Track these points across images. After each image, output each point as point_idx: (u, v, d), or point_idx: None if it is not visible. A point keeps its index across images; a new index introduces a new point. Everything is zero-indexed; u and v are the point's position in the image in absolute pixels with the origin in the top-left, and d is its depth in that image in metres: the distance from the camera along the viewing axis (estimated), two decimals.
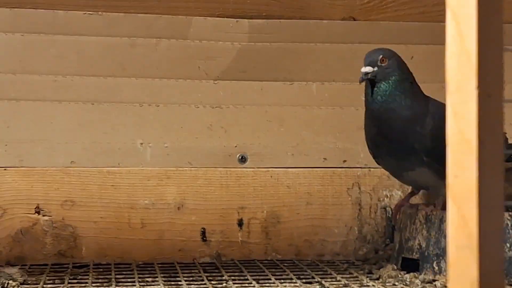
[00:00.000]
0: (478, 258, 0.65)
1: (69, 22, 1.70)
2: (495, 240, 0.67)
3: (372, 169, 1.73)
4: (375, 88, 1.48)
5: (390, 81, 1.47)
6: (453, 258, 0.67)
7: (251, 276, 1.50)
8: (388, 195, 1.75)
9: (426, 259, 1.46)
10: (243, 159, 1.74)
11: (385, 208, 1.75)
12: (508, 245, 1.40)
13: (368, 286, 1.39)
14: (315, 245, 1.74)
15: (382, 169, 1.65)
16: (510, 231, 1.40)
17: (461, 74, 0.67)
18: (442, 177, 1.51)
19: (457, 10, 0.67)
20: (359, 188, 1.75)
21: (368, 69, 1.47)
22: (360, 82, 1.48)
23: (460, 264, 0.66)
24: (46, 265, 1.63)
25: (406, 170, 1.53)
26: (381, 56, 1.48)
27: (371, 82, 1.48)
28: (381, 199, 1.75)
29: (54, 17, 1.70)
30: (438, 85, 1.61)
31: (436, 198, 1.57)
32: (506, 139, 1.71)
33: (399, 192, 1.75)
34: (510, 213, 1.44)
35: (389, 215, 1.74)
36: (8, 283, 1.41)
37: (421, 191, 1.70)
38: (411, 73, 1.52)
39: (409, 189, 1.70)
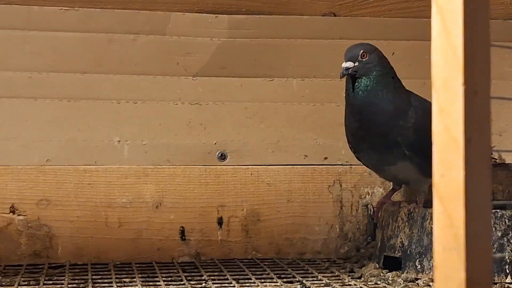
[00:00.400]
0: (465, 259, 0.63)
1: (44, 17, 1.66)
2: (483, 241, 0.65)
3: (353, 166, 1.71)
4: (356, 83, 1.46)
5: (371, 76, 1.46)
6: (440, 259, 0.64)
7: (231, 275, 1.46)
8: (370, 192, 1.72)
9: (408, 257, 1.43)
10: (222, 157, 1.71)
11: (366, 206, 1.72)
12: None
13: (350, 285, 1.37)
14: (296, 244, 1.71)
15: (364, 166, 1.63)
16: (493, 229, 1.38)
17: (447, 70, 0.65)
18: (424, 172, 1.50)
19: (443, 5, 0.65)
20: (340, 186, 1.72)
21: (349, 64, 1.45)
22: (341, 77, 1.46)
23: (447, 265, 0.64)
24: (21, 265, 1.59)
25: (388, 164, 1.51)
26: (361, 51, 1.46)
27: (352, 77, 1.45)
28: (363, 196, 1.73)
29: (29, 13, 1.66)
30: (420, 81, 1.61)
31: (417, 194, 1.55)
32: None
33: (381, 189, 1.72)
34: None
35: (371, 213, 1.71)
36: None
37: (403, 188, 1.68)
38: (393, 68, 1.51)
39: (390, 186, 1.68)
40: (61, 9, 1.66)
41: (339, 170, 1.72)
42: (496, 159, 1.77)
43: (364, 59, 1.46)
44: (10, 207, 1.63)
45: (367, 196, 1.73)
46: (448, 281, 0.63)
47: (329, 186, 1.72)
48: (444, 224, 0.64)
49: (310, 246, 1.71)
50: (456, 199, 0.63)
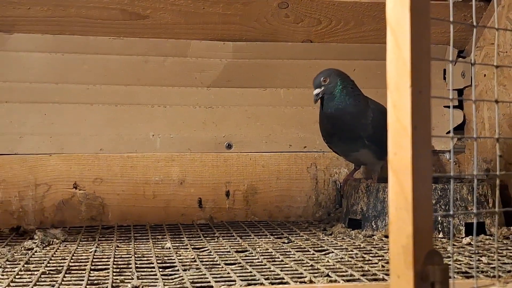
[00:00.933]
0: (412, 216, 0.63)
1: (97, 45, 1.66)
2: (426, 203, 0.65)
3: (325, 153, 1.71)
4: (326, 100, 1.47)
5: (335, 92, 1.47)
6: (393, 217, 0.65)
7: (236, 233, 1.47)
8: (338, 172, 1.73)
9: (366, 219, 1.44)
10: (229, 146, 1.71)
11: (335, 182, 1.73)
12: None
13: (324, 240, 1.37)
14: (283, 210, 1.71)
15: (333, 153, 1.63)
16: None
17: (399, 76, 0.66)
18: (378, 156, 1.51)
19: (395, 28, 0.66)
20: (316, 167, 1.73)
21: (317, 91, 1.47)
22: (315, 102, 1.48)
23: (398, 221, 0.64)
24: (82, 227, 1.60)
25: (352, 151, 1.52)
26: (322, 78, 1.47)
27: (321, 99, 1.48)
28: (332, 175, 1.73)
29: (87, 41, 1.66)
30: (374, 90, 1.62)
31: (372, 173, 1.56)
32: None
33: (346, 169, 1.73)
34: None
35: (338, 187, 1.72)
36: (53, 241, 1.37)
37: (362, 169, 1.69)
38: (352, 81, 1.51)
39: (353, 166, 1.68)
40: (109, 38, 1.66)
41: (315, 156, 1.73)
42: None
43: (325, 83, 1.47)
44: (74, 184, 1.63)
45: (335, 174, 1.73)
46: (400, 232, 0.63)
47: (308, 167, 1.73)
48: (397, 190, 0.65)
49: (293, 211, 1.71)
50: (406, 172, 0.64)
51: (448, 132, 1.71)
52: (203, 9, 1.60)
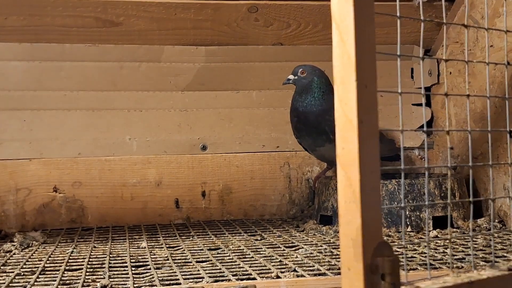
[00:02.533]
0: (360, 209, 0.61)
1: (73, 52, 1.63)
2: (374, 196, 0.63)
3: (298, 152, 1.69)
4: (297, 94, 1.46)
5: (311, 88, 1.45)
6: (342, 210, 0.63)
7: (211, 232, 1.45)
8: (310, 170, 1.71)
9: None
10: (204, 148, 1.69)
11: (308, 180, 1.71)
12: (396, 203, 1.36)
13: (296, 236, 1.35)
14: (258, 208, 1.69)
15: (305, 152, 1.61)
16: (397, 193, 1.37)
17: (344, 70, 0.64)
18: None
19: (340, 22, 0.64)
20: (289, 166, 1.70)
21: (291, 76, 1.48)
22: (283, 84, 1.50)
23: (347, 214, 0.62)
24: (62, 229, 1.57)
25: (318, 146, 1.50)
26: (301, 69, 1.47)
27: (295, 85, 1.47)
28: (305, 173, 1.71)
29: (63, 49, 1.63)
30: None
31: None
32: (384, 136, 1.68)
33: (317, 168, 1.71)
34: (398, 180, 1.40)
35: (311, 185, 1.70)
36: (32, 243, 1.34)
37: (334, 167, 1.67)
38: (327, 77, 1.49)
39: (324, 165, 1.66)
40: (85, 45, 1.63)
41: (287, 155, 1.71)
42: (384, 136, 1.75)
43: (302, 76, 1.46)
44: (53, 188, 1.60)
45: (308, 173, 1.71)
46: (349, 225, 0.61)
47: (281, 166, 1.70)
48: (345, 184, 0.63)
49: (268, 210, 1.69)
50: (353, 165, 0.62)
51: (421, 127, 1.70)
52: (175, 15, 1.58)
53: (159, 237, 1.39)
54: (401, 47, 1.73)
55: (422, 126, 1.73)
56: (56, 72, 1.63)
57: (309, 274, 0.93)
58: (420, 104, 1.75)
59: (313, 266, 1.00)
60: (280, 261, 1.06)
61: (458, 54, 1.58)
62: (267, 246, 1.21)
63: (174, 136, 1.67)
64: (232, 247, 1.22)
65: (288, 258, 1.08)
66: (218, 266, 1.03)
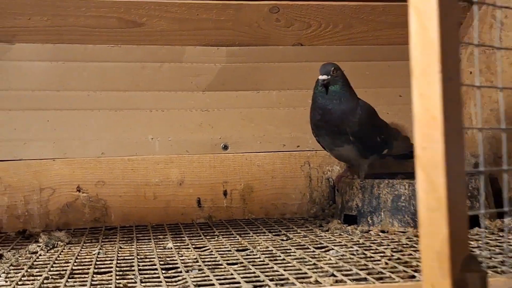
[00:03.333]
0: (447, 218, 0.53)
1: (96, 52, 1.58)
2: (461, 203, 0.55)
3: (318, 151, 1.63)
4: (329, 90, 1.39)
5: (337, 85, 1.40)
6: (424, 219, 0.55)
7: (235, 231, 1.39)
8: (330, 170, 1.65)
9: (362, 215, 1.36)
10: (225, 147, 1.64)
11: (328, 179, 1.65)
12: None
13: (322, 236, 1.28)
14: (279, 207, 1.63)
15: (325, 151, 1.56)
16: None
17: (426, 60, 0.54)
18: (362, 154, 1.44)
19: (419, 7, 0.54)
20: (309, 165, 1.65)
21: (325, 77, 1.38)
22: (321, 86, 1.39)
23: (431, 224, 0.54)
24: (85, 229, 1.51)
25: (337, 146, 1.43)
26: (333, 68, 1.39)
27: (325, 85, 1.39)
28: (325, 172, 1.66)
29: (86, 49, 1.57)
30: (362, 89, 1.55)
31: (359, 171, 1.49)
32: (406, 136, 1.63)
33: (338, 167, 1.65)
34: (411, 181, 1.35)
35: (331, 184, 1.65)
36: (57, 244, 1.30)
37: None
38: (348, 80, 1.44)
39: (345, 165, 1.62)
40: (108, 46, 1.58)
41: (308, 154, 1.65)
42: None
43: (334, 74, 1.40)
44: (77, 187, 1.56)
45: (328, 172, 1.66)
46: (433, 237, 0.53)
47: (301, 166, 1.65)
48: (428, 189, 0.54)
49: (289, 209, 1.63)
50: (438, 168, 0.54)
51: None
52: (197, 16, 1.53)
53: (183, 237, 1.34)
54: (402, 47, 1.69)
55: None
56: (79, 73, 1.58)
57: (349, 280, 0.87)
58: None
59: (351, 270, 0.93)
60: (314, 263, 0.99)
61: (480, 54, 1.53)
62: (295, 247, 1.15)
63: (196, 135, 1.62)
64: (260, 248, 1.16)
65: (321, 260, 1.02)
66: (251, 269, 0.97)
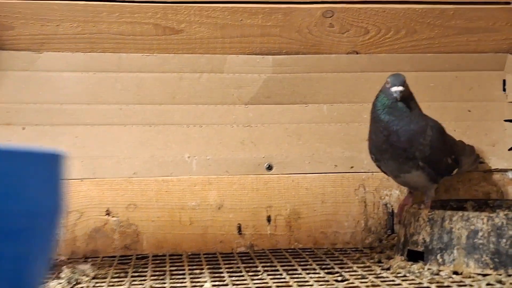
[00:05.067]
0: None
1: (130, 62, 1.42)
2: None
3: (374, 173, 1.42)
4: (397, 106, 1.18)
5: (408, 101, 1.19)
6: None
7: (280, 265, 1.20)
8: (388, 194, 1.44)
9: (430, 252, 1.15)
10: (269, 167, 1.44)
11: (386, 205, 1.44)
12: (505, 240, 1.08)
13: (383, 277, 1.08)
14: (329, 236, 1.42)
15: (383, 173, 1.35)
16: (506, 228, 1.09)
17: None
18: (432, 179, 1.21)
19: None
20: (364, 189, 1.44)
21: (400, 88, 1.17)
22: (398, 100, 1.17)
23: None
24: (115, 257, 1.35)
25: (404, 172, 1.23)
26: (404, 79, 1.19)
27: (402, 99, 1.18)
28: (383, 197, 1.44)
29: (119, 59, 1.41)
30: (426, 104, 1.34)
31: (425, 198, 1.27)
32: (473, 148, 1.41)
33: (397, 192, 1.43)
34: (505, 213, 1.13)
35: (390, 211, 1.43)
36: (81, 280, 1.13)
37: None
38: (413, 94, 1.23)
39: (405, 189, 1.40)
40: (143, 55, 1.42)
41: (363, 177, 1.44)
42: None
43: (406, 88, 1.19)
44: (106, 211, 1.39)
45: (386, 197, 1.44)
46: None
47: (355, 189, 1.44)
48: None
49: (340, 238, 1.43)
50: None
51: None
52: (241, 21, 1.34)
53: (222, 272, 1.15)
54: (492, 56, 1.46)
55: None
56: (112, 84, 1.41)
57: None
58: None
59: None
60: None
61: None
62: None
63: (237, 154, 1.43)
64: None
65: None
66: None
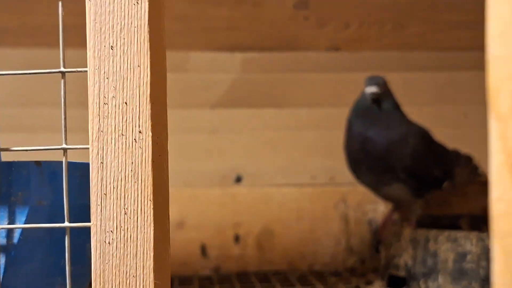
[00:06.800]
0: None
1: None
2: None
3: (357, 186, 1.25)
4: (363, 115, 1.02)
5: (388, 104, 1.03)
6: None
7: None
8: (373, 209, 1.26)
9: (413, 277, 0.97)
10: (238, 179, 1.27)
11: (370, 222, 1.26)
12: None
13: None
14: (306, 257, 1.25)
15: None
16: None
17: None
18: (414, 193, 1.04)
19: None
20: (345, 204, 1.27)
21: (375, 88, 1.02)
22: (372, 99, 1.02)
23: None
24: None
25: (383, 184, 1.06)
26: (382, 81, 1.04)
27: (376, 100, 1.02)
28: (366, 213, 1.27)
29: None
30: (416, 107, 1.18)
31: (409, 214, 1.10)
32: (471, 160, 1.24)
33: (382, 207, 1.26)
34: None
35: (374, 228, 1.26)
36: None
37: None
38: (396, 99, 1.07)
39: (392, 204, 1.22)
40: None
41: (344, 190, 1.27)
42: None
43: (383, 89, 1.03)
44: None
45: (370, 212, 1.27)
46: None
47: (335, 204, 1.27)
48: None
49: (319, 259, 1.25)
50: None
51: None
52: (202, 12, 1.17)
53: None
54: None
55: None
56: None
57: None
58: None
59: None
60: None
61: None
62: None
63: (201, 165, 1.26)
64: None
65: None
66: None
